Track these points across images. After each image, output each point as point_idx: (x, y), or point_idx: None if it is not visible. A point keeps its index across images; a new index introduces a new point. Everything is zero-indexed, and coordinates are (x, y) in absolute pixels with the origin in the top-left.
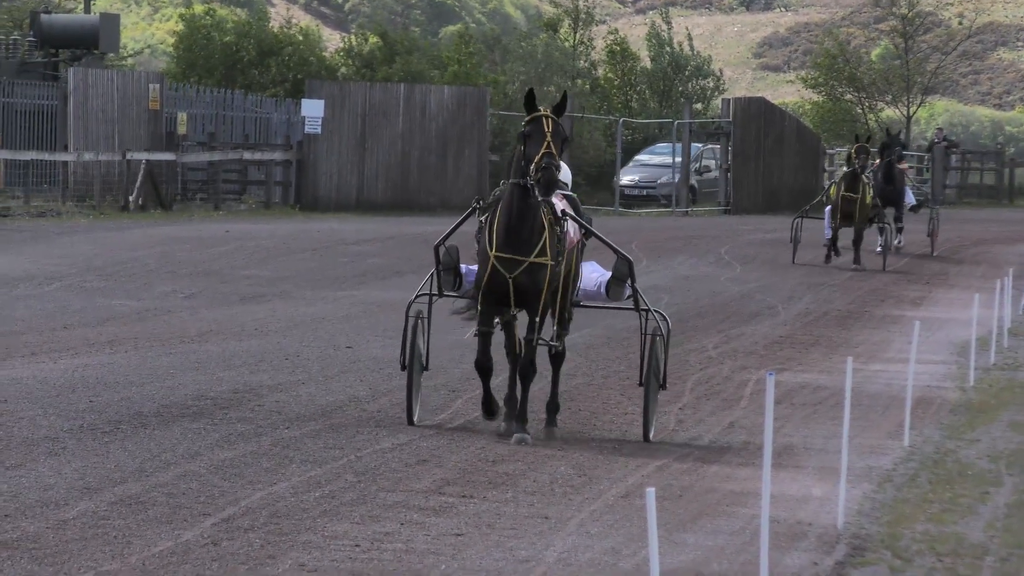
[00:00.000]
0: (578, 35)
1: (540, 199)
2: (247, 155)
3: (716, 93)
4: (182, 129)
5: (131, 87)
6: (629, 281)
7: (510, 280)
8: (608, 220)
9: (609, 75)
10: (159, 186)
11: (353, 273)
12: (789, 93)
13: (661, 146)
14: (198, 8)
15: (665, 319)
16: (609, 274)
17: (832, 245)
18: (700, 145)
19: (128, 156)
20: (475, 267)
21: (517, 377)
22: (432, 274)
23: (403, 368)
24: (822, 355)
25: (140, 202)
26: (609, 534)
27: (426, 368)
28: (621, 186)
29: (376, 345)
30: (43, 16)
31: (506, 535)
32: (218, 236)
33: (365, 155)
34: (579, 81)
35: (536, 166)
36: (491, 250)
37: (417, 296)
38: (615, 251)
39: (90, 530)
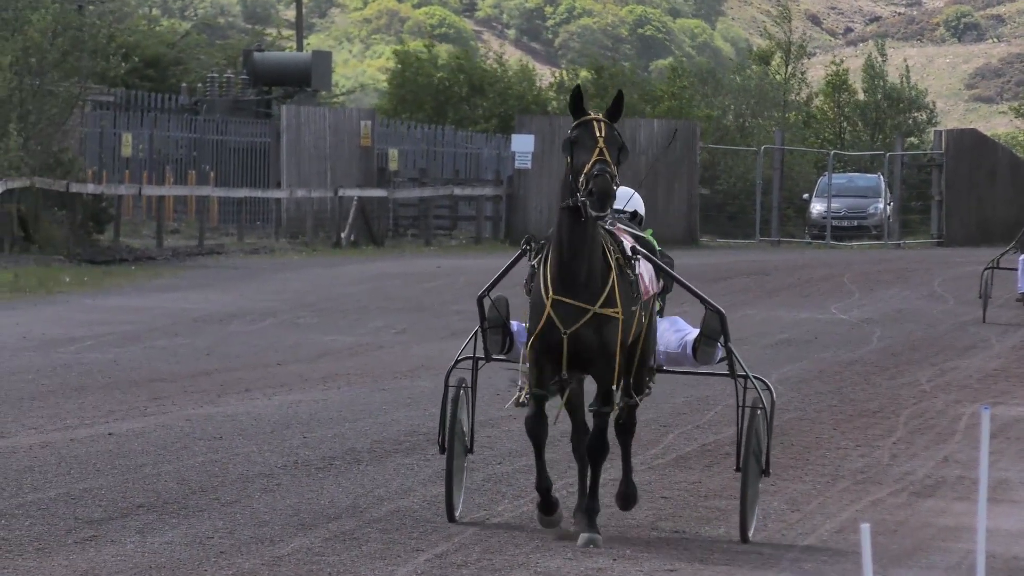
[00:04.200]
0: (790, 68)
1: (596, 220)
2: (457, 191)
3: (928, 125)
4: (393, 165)
5: (343, 124)
6: (722, 340)
7: (565, 337)
8: (817, 253)
9: (823, 107)
10: (371, 222)
11: None
12: (1002, 124)
13: (838, 177)
14: (414, 44)
15: (768, 388)
16: (696, 331)
17: None
18: (877, 176)
19: (340, 193)
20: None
21: (586, 459)
22: (475, 333)
23: (442, 451)
24: None
25: (352, 238)
26: (823, 570)
27: (470, 450)
28: (823, 215)
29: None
30: (256, 54)
31: (719, 571)
32: (429, 271)
33: None
34: (791, 114)
35: (587, 176)
36: (546, 295)
37: (458, 361)
38: (704, 302)
39: (305, 567)
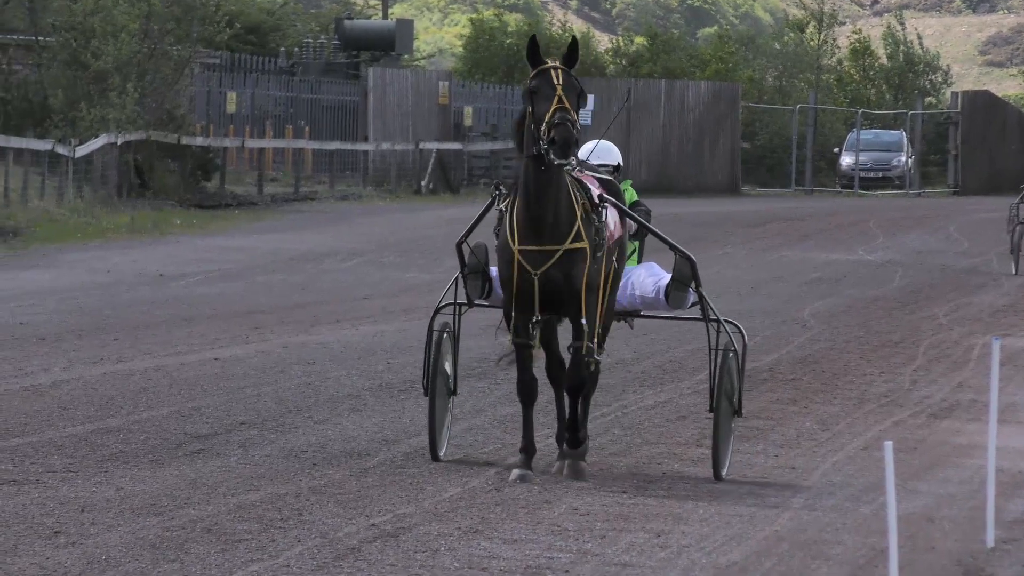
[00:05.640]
0: (822, 35)
1: (560, 166)
2: None
3: (945, 87)
4: (468, 121)
5: (423, 84)
6: (693, 285)
7: (536, 278)
8: (846, 201)
9: (850, 71)
10: (447, 172)
11: None
12: (1012, 86)
13: (865, 133)
14: (486, 13)
15: (740, 331)
16: (670, 276)
17: None
18: (900, 132)
19: (420, 146)
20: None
21: (562, 388)
22: (456, 279)
23: (426, 393)
24: None
25: (431, 187)
26: (850, 483)
27: (454, 392)
28: (851, 167)
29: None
30: (346, 22)
31: (757, 483)
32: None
33: (629, 143)
34: (825, 76)
35: (548, 124)
36: (514, 243)
37: (442, 307)
38: (673, 248)
39: (388, 477)
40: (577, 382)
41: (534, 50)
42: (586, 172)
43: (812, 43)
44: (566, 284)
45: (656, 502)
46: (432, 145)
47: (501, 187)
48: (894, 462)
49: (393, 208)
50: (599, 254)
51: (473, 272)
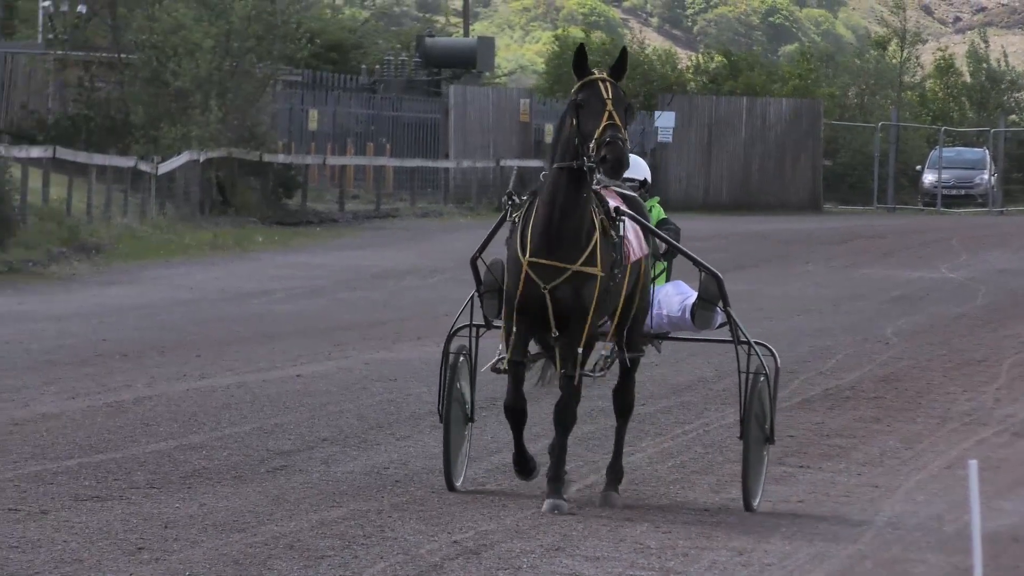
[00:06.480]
0: (904, 53)
1: (593, 190)
2: None
3: None
4: (549, 139)
5: (504, 102)
6: (720, 304)
7: (546, 293)
8: (929, 218)
9: (933, 88)
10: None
11: None
12: None
13: (947, 150)
14: (572, 29)
15: (772, 353)
16: (696, 295)
17: None
18: (983, 150)
19: (501, 163)
20: None
21: (554, 425)
22: (471, 298)
23: (441, 420)
24: None
25: None
26: (933, 501)
27: (472, 419)
28: (934, 184)
29: (720, 331)
30: (427, 39)
31: (840, 502)
32: None
33: (711, 161)
34: (907, 93)
35: (598, 142)
36: (523, 255)
37: (458, 329)
38: (699, 265)
39: (470, 495)
40: (563, 415)
41: (582, 60)
42: (607, 186)
43: (894, 61)
44: (576, 303)
45: (738, 520)
46: (513, 162)
47: (514, 197)
48: (978, 480)
49: (474, 225)
50: (616, 270)
51: (489, 291)
